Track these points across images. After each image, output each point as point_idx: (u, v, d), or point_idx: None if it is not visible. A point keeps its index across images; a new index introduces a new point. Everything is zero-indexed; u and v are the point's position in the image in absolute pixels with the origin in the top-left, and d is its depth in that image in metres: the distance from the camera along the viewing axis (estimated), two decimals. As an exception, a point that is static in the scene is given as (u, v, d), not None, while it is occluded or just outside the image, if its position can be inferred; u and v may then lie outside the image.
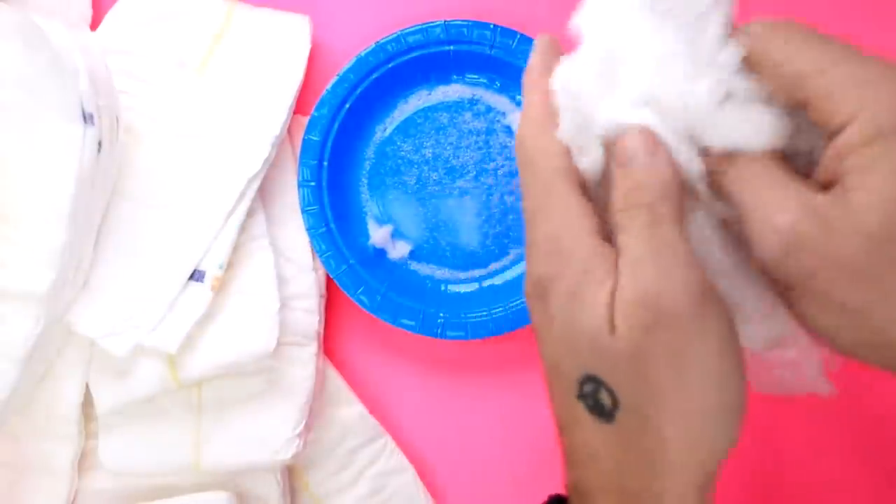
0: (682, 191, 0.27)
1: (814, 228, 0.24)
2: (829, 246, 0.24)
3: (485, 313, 0.48)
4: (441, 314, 0.48)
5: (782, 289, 0.26)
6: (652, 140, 0.27)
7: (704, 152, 0.27)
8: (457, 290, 0.50)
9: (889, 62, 0.25)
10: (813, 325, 0.26)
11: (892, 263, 0.24)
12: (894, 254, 0.24)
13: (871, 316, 0.25)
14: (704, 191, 0.28)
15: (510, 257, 0.50)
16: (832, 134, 0.25)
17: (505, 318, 0.48)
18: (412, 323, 0.48)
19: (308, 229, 0.48)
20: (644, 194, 0.26)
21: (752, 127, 0.27)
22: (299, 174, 0.49)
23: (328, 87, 0.49)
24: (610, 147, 0.28)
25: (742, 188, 0.26)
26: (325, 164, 0.49)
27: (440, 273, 0.50)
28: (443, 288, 0.50)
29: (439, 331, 0.48)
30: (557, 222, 0.28)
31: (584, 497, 0.28)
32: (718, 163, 0.27)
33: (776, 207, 0.25)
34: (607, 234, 0.28)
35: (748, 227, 0.26)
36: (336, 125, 0.49)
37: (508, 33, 0.48)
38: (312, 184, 0.48)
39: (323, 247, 0.48)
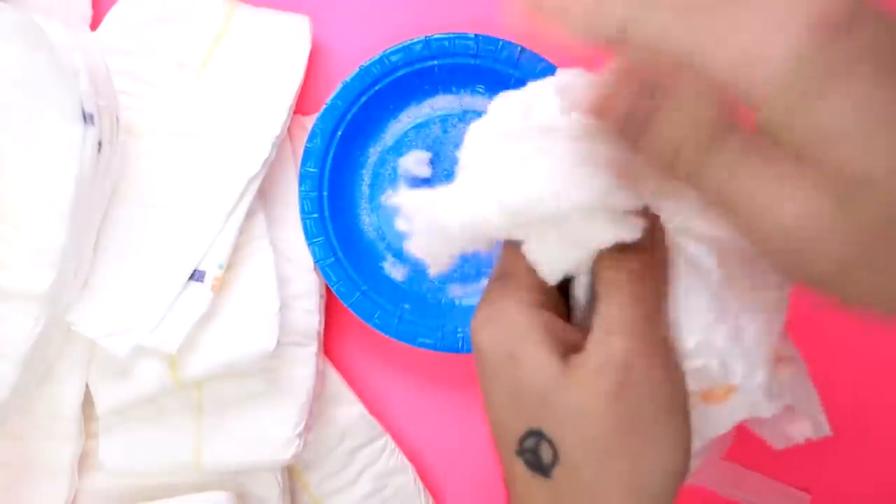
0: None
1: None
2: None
3: None
4: (459, 329, 0.47)
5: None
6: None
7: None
8: (471, 303, 0.49)
9: None
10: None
11: None
12: None
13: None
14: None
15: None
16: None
17: None
18: (431, 341, 0.47)
19: (317, 261, 0.48)
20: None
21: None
22: (301, 206, 0.48)
23: (318, 116, 0.48)
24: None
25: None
26: (325, 193, 0.48)
27: (452, 287, 0.50)
28: (457, 302, 0.49)
29: (460, 345, 0.47)
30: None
31: None
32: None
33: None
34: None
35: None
36: (331, 154, 0.48)
37: (491, 41, 0.48)
38: (315, 215, 0.48)
39: (333, 277, 0.48)
